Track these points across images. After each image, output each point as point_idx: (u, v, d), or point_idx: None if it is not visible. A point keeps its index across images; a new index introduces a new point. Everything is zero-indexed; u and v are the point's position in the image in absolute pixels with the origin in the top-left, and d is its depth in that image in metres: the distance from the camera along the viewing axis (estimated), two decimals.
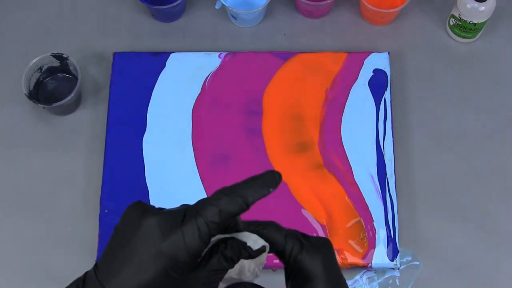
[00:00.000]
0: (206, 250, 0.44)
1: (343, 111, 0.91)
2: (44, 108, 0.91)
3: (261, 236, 0.45)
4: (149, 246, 0.41)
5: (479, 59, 0.97)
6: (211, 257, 0.43)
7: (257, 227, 0.45)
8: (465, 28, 0.94)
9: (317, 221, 0.86)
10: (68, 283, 0.93)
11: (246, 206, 0.42)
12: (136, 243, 0.42)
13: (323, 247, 0.46)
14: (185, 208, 0.43)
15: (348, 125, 0.91)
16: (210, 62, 0.94)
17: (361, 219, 0.86)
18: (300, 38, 0.99)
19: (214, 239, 0.44)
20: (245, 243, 0.44)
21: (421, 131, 0.93)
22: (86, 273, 0.43)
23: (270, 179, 0.43)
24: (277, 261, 0.84)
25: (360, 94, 0.92)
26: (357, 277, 0.85)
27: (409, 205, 0.88)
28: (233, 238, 0.44)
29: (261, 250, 0.45)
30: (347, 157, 0.89)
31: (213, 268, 0.43)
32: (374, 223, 0.85)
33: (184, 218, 0.41)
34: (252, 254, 0.44)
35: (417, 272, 0.85)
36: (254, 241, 0.45)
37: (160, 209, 0.44)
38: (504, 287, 0.85)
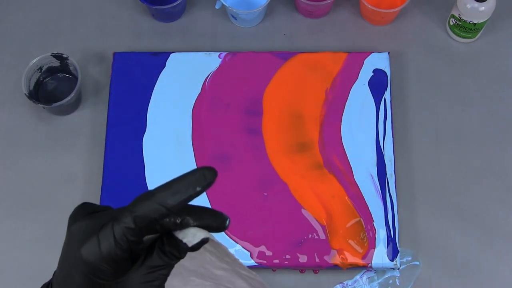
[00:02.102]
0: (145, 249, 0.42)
1: (343, 111, 0.91)
2: (44, 108, 0.91)
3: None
4: (71, 253, 0.41)
5: (479, 59, 0.97)
6: (148, 255, 0.41)
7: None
8: (465, 28, 0.94)
9: (317, 221, 0.86)
10: None
11: (167, 210, 0.39)
12: (65, 249, 0.42)
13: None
14: (106, 213, 0.41)
15: (348, 125, 0.91)
16: (210, 62, 0.94)
17: (361, 219, 0.86)
18: (300, 38, 0.99)
19: (148, 237, 0.42)
20: (180, 241, 0.41)
21: (421, 131, 0.93)
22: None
23: (197, 178, 0.40)
24: (277, 261, 0.84)
25: (360, 94, 0.92)
26: (357, 277, 0.85)
27: (409, 205, 0.88)
28: (170, 234, 0.42)
29: (202, 242, 0.41)
30: (347, 157, 0.89)
31: (152, 265, 0.41)
32: (374, 223, 0.85)
33: (103, 224, 0.40)
34: (190, 249, 0.41)
35: (417, 272, 0.85)
36: (193, 234, 0.41)
37: (95, 211, 0.43)
38: (504, 287, 0.85)
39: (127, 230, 0.39)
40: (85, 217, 0.42)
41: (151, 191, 0.40)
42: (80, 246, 0.40)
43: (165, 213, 0.39)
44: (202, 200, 0.87)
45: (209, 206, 0.87)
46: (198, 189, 0.40)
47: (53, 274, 0.44)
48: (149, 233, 0.40)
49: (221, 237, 0.85)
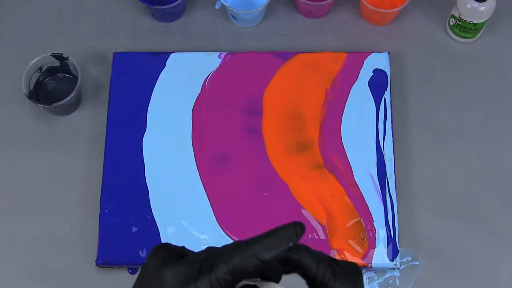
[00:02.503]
0: None
1: (343, 111, 0.91)
2: (44, 108, 0.91)
3: (293, 260, 0.44)
4: None
5: (479, 59, 0.97)
6: None
7: (289, 251, 0.44)
8: (465, 28, 0.94)
9: (317, 221, 0.86)
10: (68, 283, 0.93)
11: (262, 264, 0.41)
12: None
13: (354, 275, 0.44)
14: (201, 261, 0.42)
15: (348, 125, 0.91)
16: (210, 62, 0.94)
17: (361, 219, 0.86)
18: (300, 38, 0.99)
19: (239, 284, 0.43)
20: None
21: (421, 131, 0.93)
22: None
23: (290, 234, 0.41)
24: None
25: (360, 94, 0.92)
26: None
27: (409, 205, 0.88)
28: None
29: None
30: (347, 157, 0.89)
31: None
32: (374, 223, 0.85)
33: (199, 273, 0.41)
34: None
35: (417, 272, 0.85)
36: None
37: (182, 254, 0.43)
38: (504, 287, 0.85)
39: (223, 281, 0.40)
40: (176, 263, 0.42)
41: (244, 242, 0.41)
42: None
43: (260, 266, 0.40)
44: (202, 200, 0.87)
45: (209, 206, 0.87)
46: (291, 244, 0.41)
47: None
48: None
49: (221, 237, 0.85)
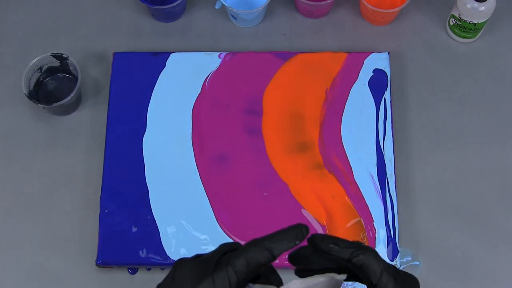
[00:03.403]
0: None
1: (343, 111, 0.91)
2: (44, 108, 0.91)
3: (357, 261, 0.46)
4: None
5: (479, 59, 0.97)
6: None
7: (356, 251, 0.46)
8: (465, 28, 0.94)
9: (317, 221, 0.86)
10: (68, 283, 0.93)
11: (273, 257, 0.45)
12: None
13: (412, 286, 0.47)
14: (217, 257, 0.46)
15: (348, 125, 0.91)
16: (210, 62, 0.94)
17: (361, 219, 0.86)
18: (300, 38, 0.99)
19: None
20: None
21: (421, 131, 0.93)
22: None
23: (297, 233, 0.46)
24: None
25: (360, 94, 0.92)
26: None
27: (409, 205, 0.88)
28: None
29: None
30: (347, 157, 0.89)
31: None
32: (374, 223, 0.85)
33: (215, 267, 0.45)
34: None
35: (417, 272, 0.85)
36: None
37: (198, 255, 0.48)
38: (504, 287, 0.85)
39: (240, 273, 0.44)
40: (191, 261, 0.47)
41: (257, 239, 0.45)
42: (195, 286, 0.44)
43: (270, 260, 0.45)
44: (202, 200, 0.87)
45: (209, 206, 0.87)
46: (297, 242, 0.46)
47: None
48: (245, 284, 0.45)
49: (221, 237, 0.85)
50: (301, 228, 0.46)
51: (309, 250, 0.49)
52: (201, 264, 0.46)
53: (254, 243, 0.45)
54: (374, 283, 0.46)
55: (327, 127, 0.91)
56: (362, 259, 0.46)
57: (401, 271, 0.47)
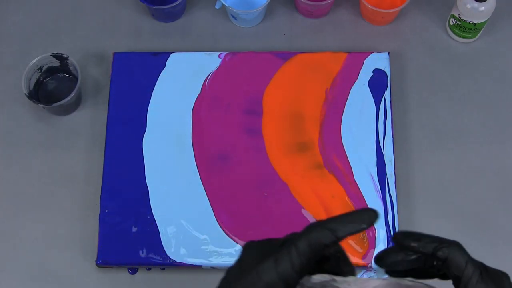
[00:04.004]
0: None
1: (343, 111, 0.91)
2: (44, 108, 0.91)
3: (442, 254, 0.45)
4: (248, 272, 0.44)
5: (479, 59, 0.97)
6: None
7: (440, 245, 0.45)
8: (465, 28, 0.94)
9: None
10: (68, 283, 0.93)
11: (337, 239, 0.44)
12: (236, 271, 0.45)
13: (501, 281, 0.45)
14: (282, 239, 0.46)
15: (348, 125, 0.91)
16: (210, 62, 0.94)
17: None
18: (300, 38, 0.99)
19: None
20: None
21: (421, 131, 0.93)
22: None
23: (364, 217, 0.44)
24: None
25: (360, 94, 0.92)
26: (357, 277, 0.85)
27: (409, 205, 0.88)
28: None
29: None
30: (347, 157, 0.89)
31: None
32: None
33: (280, 247, 0.44)
34: None
35: None
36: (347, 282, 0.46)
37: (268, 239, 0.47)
38: None
39: (303, 254, 0.43)
40: (256, 243, 0.46)
41: (323, 220, 0.44)
42: (258, 264, 0.43)
43: (334, 241, 0.44)
44: (202, 200, 0.87)
45: (209, 205, 0.87)
46: (364, 226, 0.44)
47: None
48: (310, 267, 0.44)
49: (221, 237, 0.85)
50: (369, 213, 0.44)
51: (395, 249, 0.48)
52: (267, 245, 0.45)
53: (318, 224, 0.44)
54: (458, 275, 0.45)
55: (327, 127, 0.91)
56: (446, 252, 0.45)
57: (489, 266, 0.46)
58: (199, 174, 0.88)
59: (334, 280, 0.45)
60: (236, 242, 0.85)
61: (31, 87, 0.92)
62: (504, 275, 0.46)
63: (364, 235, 0.85)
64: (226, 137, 0.90)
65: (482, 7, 0.90)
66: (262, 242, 0.46)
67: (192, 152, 0.90)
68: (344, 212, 0.44)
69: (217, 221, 0.86)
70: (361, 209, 0.45)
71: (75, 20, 1.00)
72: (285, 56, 0.95)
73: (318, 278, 0.45)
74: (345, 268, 0.49)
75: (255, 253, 0.45)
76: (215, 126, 0.91)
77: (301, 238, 0.43)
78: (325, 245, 0.43)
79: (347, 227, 0.44)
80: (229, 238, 0.85)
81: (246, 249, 0.46)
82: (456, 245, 0.46)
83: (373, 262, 0.84)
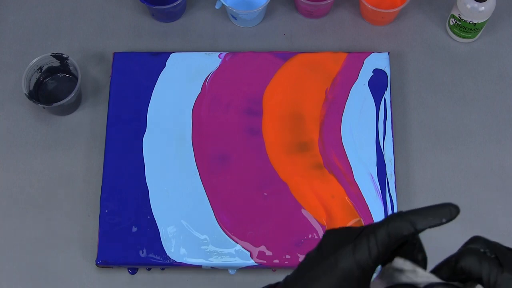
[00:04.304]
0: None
1: (343, 111, 0.91)
2: (44, 108, 0.91)
3: (456, 267, 0.47)
4: (324, 258, 0.44)
5: (479, 59, 0.97)
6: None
7: (465, 245, 0.47)
8: (465, 28, 0.94)
9: (317, 221, 0.86)
10: (68, 283, 0.93)
11: (415, 231, 0.44)
12: (315, 256, 0.45)
13: None
14: (361, 228, 0.46)
15: (348, 125, 0.91)
16: (210, 62, 0.94)
17: (361, 219, 0.86)
18: (300, 38, 0.99)
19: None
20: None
21: (421, 131, 0.93)
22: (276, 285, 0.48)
23: (444, 211, 0.45)
24: (277, 261, 0.84)
25: (360, 94, 0.92)
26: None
27: (409, 205, 0.88)
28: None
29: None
30: (347, 157, 0.89)
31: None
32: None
33: (358, 235, 0.44)
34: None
35: None
36: (427, 277, 0.47)
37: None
38: None
39: (381, 243, 0.43)
40: (336, 229, 0.47)
41: (403, 212, 0.45)
42: (335, 251, 0.44)
43: (413, 234, 0.44)
44: (202, 200, 0.87)
45: (209, 205, 0.87)
46: (444, 220, 0.45)
47: (285, 279, 0.47)
48: (386, 256, 0.44)
49: (221, 237, 0.85)
50: (450, 207, 0.44)
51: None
52: (346, 233, 0.45)
53: (399, 215, 0.44)
54: (477, 278, 0.46)
55: (327, 127, 0.91)
56: (462, 264, 0.47)
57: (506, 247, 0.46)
58: (199, 174, 0.88)
59: (415, 272, 0.46)
60: (236, 242, 0.85)
61: (31, 87, 0.92)
62: None
63: None
64: (226, 137, 0.90)
65: (482, 7, 0.90)
66: (341, 229, 0.46)
67: (192, 152, 0.90)
68: (427, 206, 0.45)
69: (217, 221, 0.86)
70: (443, 203, 0.45)
71: (75, 20, 1.00)
72: (285, 56, 0.95)
73: (400, 262, 0.46)
74: (418, 255, 0.49)
75: (334, 240, 0.45)
76: (215, 126, 0.91)
77: (381, 227, 0.44)
78: (403, 236, 0.44)
79: (427, 220, 0.44)
80: (229, 238, 0.85)
81: (326, 235, 0.46)
82: (468, 252, 0.47)
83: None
